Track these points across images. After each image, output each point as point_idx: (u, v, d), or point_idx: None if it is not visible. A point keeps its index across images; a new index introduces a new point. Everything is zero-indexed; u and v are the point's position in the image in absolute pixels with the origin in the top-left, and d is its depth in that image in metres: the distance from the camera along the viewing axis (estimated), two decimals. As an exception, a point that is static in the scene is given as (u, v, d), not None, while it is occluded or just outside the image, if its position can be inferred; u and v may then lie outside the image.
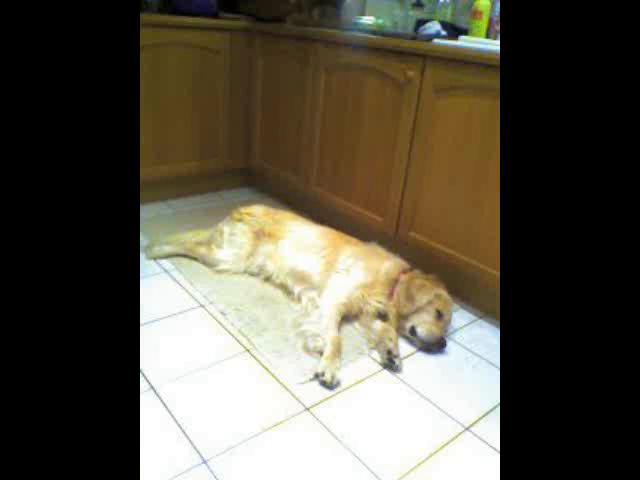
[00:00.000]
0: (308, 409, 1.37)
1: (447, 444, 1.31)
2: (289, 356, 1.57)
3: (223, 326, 1.70)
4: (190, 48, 2.41)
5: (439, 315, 1.69)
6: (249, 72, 2.67)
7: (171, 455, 1.19)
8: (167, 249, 2.10)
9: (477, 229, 1.82)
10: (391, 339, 1.63)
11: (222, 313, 1.76)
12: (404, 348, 1.68)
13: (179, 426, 1.27)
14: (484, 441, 1.33)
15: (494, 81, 1.63)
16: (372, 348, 1.67)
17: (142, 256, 2.06)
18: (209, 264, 2.04)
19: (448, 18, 2.41)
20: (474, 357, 1.68)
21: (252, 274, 2.01)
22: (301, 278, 1.88)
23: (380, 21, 2.49)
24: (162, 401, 1.35)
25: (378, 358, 1.62)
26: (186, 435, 1.25)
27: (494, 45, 1.71)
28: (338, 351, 1.56)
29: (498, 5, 2.03)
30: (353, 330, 1.75)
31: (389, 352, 1.58)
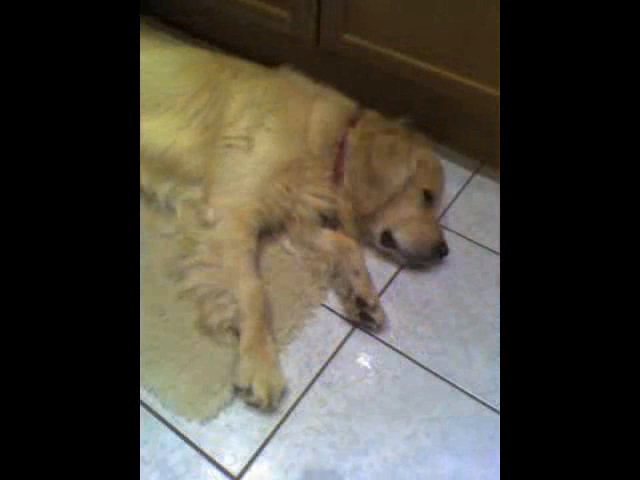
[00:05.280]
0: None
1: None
2: (176, 359, 0.81)
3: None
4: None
5: (429, 200, 0.95)
6: None
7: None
8: None
9: (465, 26, 0.96)
10: (357, 272, 0.90)
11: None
12: (375, 268, 0.97)
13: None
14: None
15: None
16: (323, 287, 0.93)
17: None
18: None
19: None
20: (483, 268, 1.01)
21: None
22: (164, 167, 1.00)
23: None
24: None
25: (340, 306, 0.91)
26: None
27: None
28: (265, 320, 0.83)
29: None
30: (282, 254, 0.98)
31: (359, 300, 0.87)
